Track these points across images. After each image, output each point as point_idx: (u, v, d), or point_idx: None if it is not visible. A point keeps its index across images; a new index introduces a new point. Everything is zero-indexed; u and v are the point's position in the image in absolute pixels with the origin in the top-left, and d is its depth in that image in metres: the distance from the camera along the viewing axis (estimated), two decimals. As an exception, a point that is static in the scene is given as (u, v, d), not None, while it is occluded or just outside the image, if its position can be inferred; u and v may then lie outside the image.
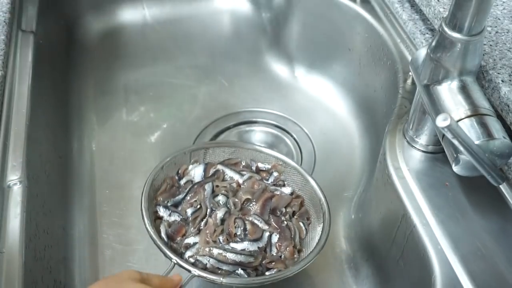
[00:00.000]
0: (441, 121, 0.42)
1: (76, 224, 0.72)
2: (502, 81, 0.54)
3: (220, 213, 0.62)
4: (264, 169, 0.70)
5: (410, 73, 0.70)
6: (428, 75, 0.53)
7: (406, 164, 0.59)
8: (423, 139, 0.59)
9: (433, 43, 0.51)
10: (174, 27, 1.07)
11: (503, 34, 0.61)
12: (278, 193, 0.66)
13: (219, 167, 0.69)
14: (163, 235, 0.60)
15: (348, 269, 0.69)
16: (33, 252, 0.55)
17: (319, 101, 0.94)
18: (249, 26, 1.07)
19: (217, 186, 0.66)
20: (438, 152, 0.59)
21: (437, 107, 0.51)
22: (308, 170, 0.82)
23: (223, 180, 0.68)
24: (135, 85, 0.96)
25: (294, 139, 0.88)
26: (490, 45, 0.59)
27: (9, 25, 0.73)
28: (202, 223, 0.62)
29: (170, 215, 0.63)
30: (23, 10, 0.83)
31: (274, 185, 0.68)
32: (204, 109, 0.91)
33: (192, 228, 0.62)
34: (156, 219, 0.63)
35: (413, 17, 0.76)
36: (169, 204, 0.64)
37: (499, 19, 0.64)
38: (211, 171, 0.68)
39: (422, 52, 0.55)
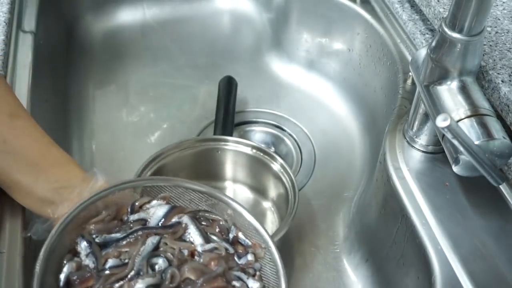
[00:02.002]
0: (441, 121, 0.42)
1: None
2: (502, 81, 0.54)
3: (141, 285, 0.45)
4: (243, 243, 0.51)
5: (410, 73, 0.70)
6: (428, 75, 0.53)
7: (406, 164, 0.59)
8: (423, 139, 0.59)
9: (433, 43, 0.51)
10: (174, 27, 1.07)
11: (503, 34, 0.61)
12: (237, 286, 0.47)
13: (185, 219, 0.51)
14: (61, 277, 0.46)
15: (348, 269, 0.69)
16: (33, 252, 0.55)
17: (319, 101, 0.94)
18: (249, 26, 1.07)
19: (165, 243, 0.49)
20: (438, 152, 0.59)
21: (437, 107, 0.51)
22: (308, 171, 0.82)
23: (180, 238, 0.50)
24: (135, 85, 0.96)
25: (294, 139, 0.88)
26: (490, 46, 0.59)
27: (9, 25, 0.73)
28: (116, 286, 0.45)
29: (87, 255, 0.47)
30: (23, 10, 0.83)
31: (242, 270, 0.49)
32: (204, 109, 0.91)
33: (100, 287, 0.45)
34: (68, 253, 0.48)
35: (413, 17, 0.76)
36: (97, 240, 0.48)
37: (499, 19, 0.64)
38: (174, 219, 0.51)
39: (422, 52, 0.55)
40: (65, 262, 0.47)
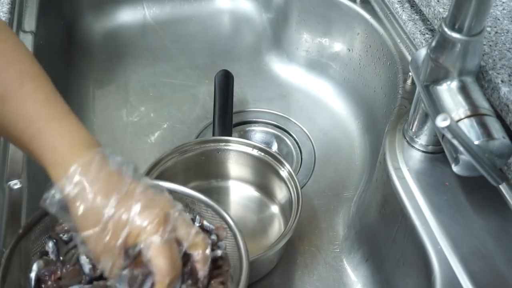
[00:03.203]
0: (441, 121, 0.42)
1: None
2: (502, 81, 0.54)
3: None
4: (208, 229, 0.55)
5: (410, 73, 0.70)
6: (428, 75, 0.53)
7: (406, 164, 0.59)
8: (423, 139, 0.59)
9: (433, 43, 0.51)
10: (174, 27, 1.07)
11: (502, 34, 0.61)
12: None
13: None
14: (31, 275, 0.49)
15: (348, 269, 0.69)
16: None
17: (319, 101, 0.94)
18: (249, 26, 1.07)
19: None
20: (438, 152, 0.59)
21: (437, 107, 0.51)
22: (308, 170, 0.82)
23: None
24: (135, 85, 0.96)
25: (294, 139, 0.88)
26: (490, 46, 0.59)
27: (9, 25, 0.73)
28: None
29: (53, 251, 0.50)
30: (23, 10, 0.83)
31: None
32: (204, 109, 0.91)
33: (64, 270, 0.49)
34: (33, 255, 0.51)
35: (413, 17, 0.76)
36: (64, 238, 0.51)
37: (498, 19, 0.64)
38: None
39: (422, 52, 0.55)
40: (32, 262, 0.49)
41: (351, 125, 0.89)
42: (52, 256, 0.50)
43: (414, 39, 0.74)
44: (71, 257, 0.49)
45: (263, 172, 0.73)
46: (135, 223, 0.43)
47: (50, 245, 0.51)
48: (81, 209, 0.43)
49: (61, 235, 0.51)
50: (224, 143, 0.74)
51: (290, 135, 0.88)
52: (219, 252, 0.52)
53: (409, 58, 0.73)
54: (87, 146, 0.46)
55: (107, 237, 0.43)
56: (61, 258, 0.50)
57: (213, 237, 0.54)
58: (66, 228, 0.51)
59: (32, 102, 0.46)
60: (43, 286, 0.49)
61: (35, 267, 0.49)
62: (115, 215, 0.43)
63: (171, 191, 0.53)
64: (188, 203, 0.56)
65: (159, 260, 0.43)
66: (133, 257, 0.45)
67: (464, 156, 0.47)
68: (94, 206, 0.43)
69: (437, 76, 0.52)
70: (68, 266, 0.49)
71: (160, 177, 0.68)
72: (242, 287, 0.49)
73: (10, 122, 0.45)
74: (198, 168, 0.75)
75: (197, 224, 0.54)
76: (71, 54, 0.98)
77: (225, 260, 0.52)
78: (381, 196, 0.63)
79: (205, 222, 0.55)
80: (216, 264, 0.51)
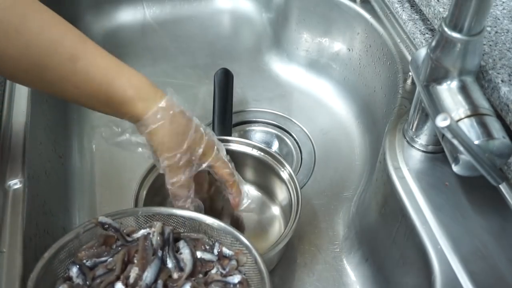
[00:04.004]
0: (441, 121, 0.42)
1: (76, 224, 0.72)
2: (502, 81, 0.54)
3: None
4: (227, 255, 0.56)
5: (410, 73, 0.70)
6: (428, 75, 0.53)
7: (406, 164, 0.59)
8: (423, 139, 0.59)
9: (433, 43, 0.51)
10: (174, 27, 1.07)
11: (502, 34, 0.61)
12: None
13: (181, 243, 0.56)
14: None
15: (348, 269, 0.69)
16: (33, 252, 0.55)
17: (319, 101, 0.94)
18: (249, 26, 1.07)
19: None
20: (438, 152, 0.59)
21: (437, 107, 0.51)
22: (308, 170, 0.82)
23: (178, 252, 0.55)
24: (135, 85, 0.96)
25: (294, 139, 0.88)
26: (490, 45, 0.59)
27: (9, 25, 0.73)
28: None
29: (78, 276, 0.51)
30: (23, 10, 0.83)
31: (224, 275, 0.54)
32: (204, 109, 0.91)
33: None
34: (58, 279, 0.52)
35: (413, 17, 0.76)
36: (87, 264, 0.53)
37: (498, 19, 0.64)
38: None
39: (422, 52, 0.55)
40: (57, 286, 0.50)
41: (351, 125, 0.89)
42: (78, 280, 0.51)
43: (414, 39, 0.74)
44: (99, 284, 0.50)
45: (263, 172, 0.73)
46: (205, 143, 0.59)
47: (74, 270, 0.52)
48: (166, 136, 0.56)
49: (84, 261, 0.53)
50: (224, 143, 0.73)
51: (290, 135, 0.88)
52: (236, 278, 0.53)
53: (409, 58, 0.73)
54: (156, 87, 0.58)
55: (186, 156, 0.57)
56: (87, 283, 0.51)
57: (233, 262, 0.55)
58: (89, 254, 0.53)
59: (100, 56, 0.53)
60: None
61: None
62: (194, 139, 0.58)
63: (191, 219, 0.57)
64: (206, 230, 0.57)
65: (227, 168, 0.62)
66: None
67: (464, 156, 0.47)
68: (177, 133, 0.57)
69: (437, 76, 0.52)
70: None
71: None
72: None
73: (88, 76, 0.52)
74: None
75: (216, 251, 0.57)
76: (71, 54, 0.98)
77: (245, 285, 0.53)
78: (381, 196, 0.63)
79: (224, 249, 0.56)
80: None
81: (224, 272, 0.54)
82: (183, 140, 0.57)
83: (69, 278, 0.52)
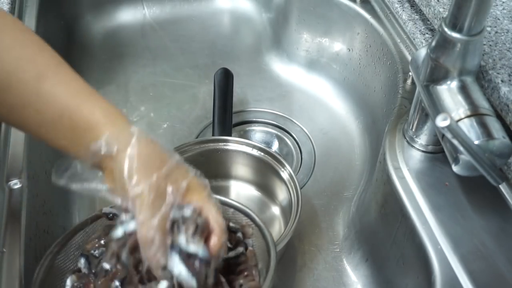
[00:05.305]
0: (441, 121, 0.42)
1: (76, 224, 0.72)
2: (502, 81, 0.54)
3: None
4: (234, 230, 0.56)
5: (410, 73, 0.70)
6: (428, 75, 0.53)
7: (406, 164, 0.59)
8: (423, 139, 0.59)
9: (433, 43, 0.51)
10: (174, 27, 1.07)
11: (502, 34, 0.61)
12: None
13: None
14: None
15: (348, 269, 0.69)
16: (33, 252, 0.55)
17: (319, 101, 0.94)
18: (249, 26, 1.07)
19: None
20: (438, 152, 0.59)
21: (437, 107, 0.51)
22: (308, 170, 0.82)
23: None
24: (135, 85, 0.96)
25: (294, 139, 0.88)
26: (490, 45, 0.59)
27: (9, 25, 0.73)
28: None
29: (85, 266, 0.52)
30: (23, 10, 0.83)
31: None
32: (204, 109, 0.91)
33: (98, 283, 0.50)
34: (66, 272, 0.53)
35: (413, 17, 0.76)
36: (96, 253, 0.53)
37: (498, 19, 0.64)
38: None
39: (422, 52, 0.55)
40: (66, 278, 0.52)
41: (351, 125, 0.89)
42: (84, 270, 0.52)
43: (414, 39, 0.74)
44: (102, 269, 0.51)
45: (263, 172, 0.73)
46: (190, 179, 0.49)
47: (82, 261, 0.53)
48: (134, 165, 0.46)
49: (92, 251, 0.53)
50: (224, 143, 0.74)
51: (290, 135, 0.88)
52: (240, 249, 0.54)
53: (409, 58, 0.73)
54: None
55: (165, 183, 0.47)
56: (93, 271, 0.52)
57: (239, 235, 0.55)
58: (97, 244, 0.53)
59: (71, 79, 0.49)
60: None
61: (69, 282, 0.51)
62: (176, 167, 0.49)
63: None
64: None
65: (220, 219, 0.48)
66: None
67: (464, 156, 0.47)
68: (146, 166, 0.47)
69: (437, 76, 0.52)
70: (100, 278, 0.51)
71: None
72: (271, 274, 0.50)
73: (53, 97, 0.47)
74: (197, 168, 0.74)
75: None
76: (71, 54, 0.98)
77: (252, 256, 0.54)
78: (381, 196, 0.63)
79: (230, 224, 0.56)
80: (241, 260, 0.53)
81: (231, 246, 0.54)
82: (161, 165, 0.48)
83: (79, 270, 0.53)
